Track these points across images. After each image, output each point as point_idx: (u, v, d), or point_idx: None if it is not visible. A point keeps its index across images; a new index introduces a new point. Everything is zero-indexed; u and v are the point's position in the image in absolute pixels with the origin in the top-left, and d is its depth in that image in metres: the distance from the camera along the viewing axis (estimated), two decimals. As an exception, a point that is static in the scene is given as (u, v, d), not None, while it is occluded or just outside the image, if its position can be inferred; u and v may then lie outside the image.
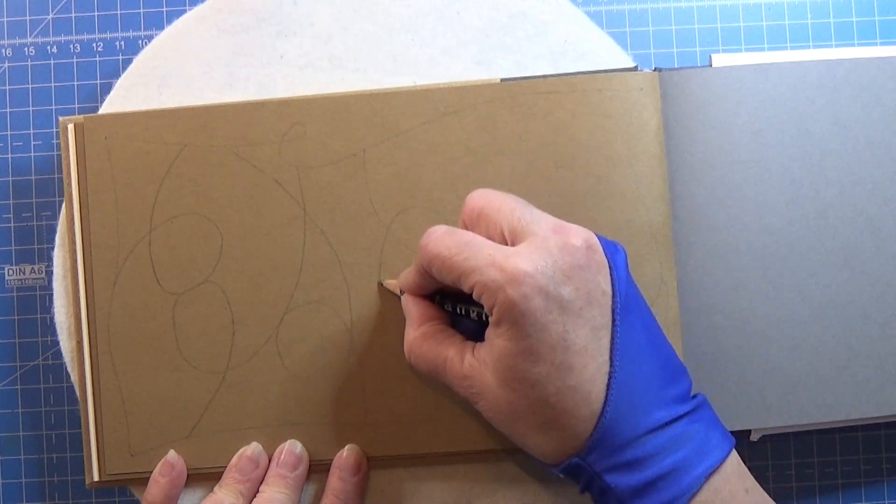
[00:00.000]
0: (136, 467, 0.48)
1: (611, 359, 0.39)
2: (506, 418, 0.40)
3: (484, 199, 0.42)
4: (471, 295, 0.40)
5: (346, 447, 0.47)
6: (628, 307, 0.40)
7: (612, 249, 0.40)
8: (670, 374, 0.41)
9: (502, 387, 0.39)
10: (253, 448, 0.47)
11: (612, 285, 0.39)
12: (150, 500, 0.47)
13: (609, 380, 0.39)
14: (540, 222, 0.40)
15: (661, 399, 0.40)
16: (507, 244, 0.40)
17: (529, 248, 0.38)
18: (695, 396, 0.42)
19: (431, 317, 0.44)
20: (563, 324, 0.38)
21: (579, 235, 0.39)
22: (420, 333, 0.43)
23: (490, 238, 0.41)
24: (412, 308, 0.45)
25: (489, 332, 0.40)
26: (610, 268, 0.40)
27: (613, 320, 0.39)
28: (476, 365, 0.40)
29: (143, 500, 0.47)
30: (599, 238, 0.40)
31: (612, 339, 0.39)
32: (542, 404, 0.39)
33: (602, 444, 0.39)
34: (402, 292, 0.46)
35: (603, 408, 0.38)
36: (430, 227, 0.41)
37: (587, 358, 0.38)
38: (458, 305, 0.43)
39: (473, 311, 0.42)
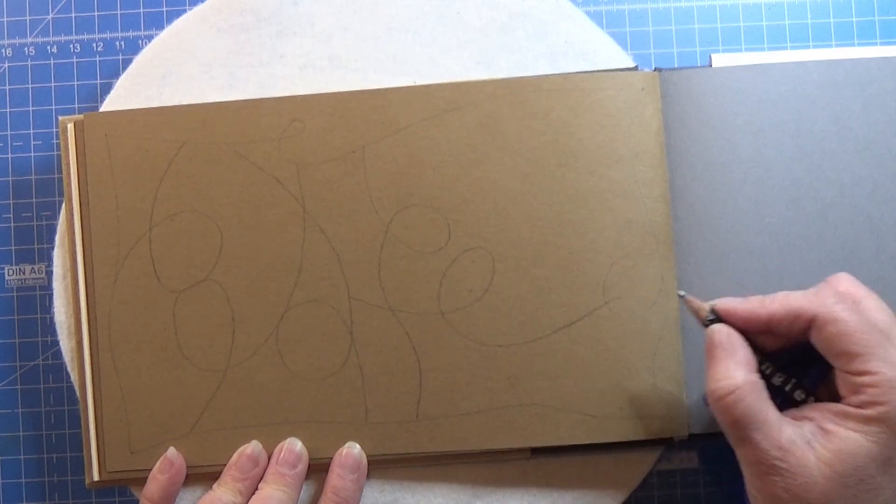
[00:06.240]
0: (136, 465, 0.48)
1: None
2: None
3: (862, 291, 0.41)
4: (792, 368, 0.40)
5: (346, 445, 0.47)
6: None
7: None
8: None
9: (830, 478, 0.38)
10: (253, 446, 0.47)
11: None
12: (149, 496, 0.46)
13: None
14: None
15: None
16: None
17: None
18: None
19: (756, 369, 0.41)
20: None
21: None
22: (753, 380, 0.40)
23: None
24: (740, 350, 0.41)
25: (838, 423, 0.39)
26: None
27: None
28: (800, 444, 0.39)
29: (142, 497, 0.47)
30: None
31: None
32: None
33: None
34: (713, 321, 0.43)
35: None
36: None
37: None
38: (779, 373, 0.42)
39: (789, 385, 0.41)
